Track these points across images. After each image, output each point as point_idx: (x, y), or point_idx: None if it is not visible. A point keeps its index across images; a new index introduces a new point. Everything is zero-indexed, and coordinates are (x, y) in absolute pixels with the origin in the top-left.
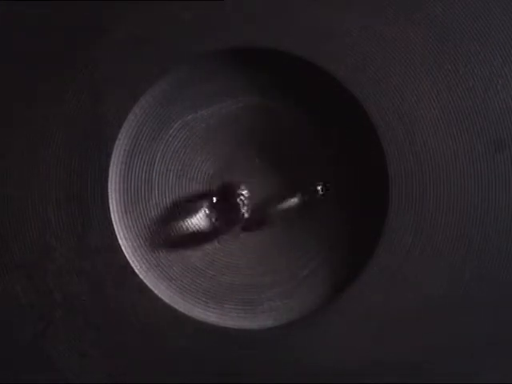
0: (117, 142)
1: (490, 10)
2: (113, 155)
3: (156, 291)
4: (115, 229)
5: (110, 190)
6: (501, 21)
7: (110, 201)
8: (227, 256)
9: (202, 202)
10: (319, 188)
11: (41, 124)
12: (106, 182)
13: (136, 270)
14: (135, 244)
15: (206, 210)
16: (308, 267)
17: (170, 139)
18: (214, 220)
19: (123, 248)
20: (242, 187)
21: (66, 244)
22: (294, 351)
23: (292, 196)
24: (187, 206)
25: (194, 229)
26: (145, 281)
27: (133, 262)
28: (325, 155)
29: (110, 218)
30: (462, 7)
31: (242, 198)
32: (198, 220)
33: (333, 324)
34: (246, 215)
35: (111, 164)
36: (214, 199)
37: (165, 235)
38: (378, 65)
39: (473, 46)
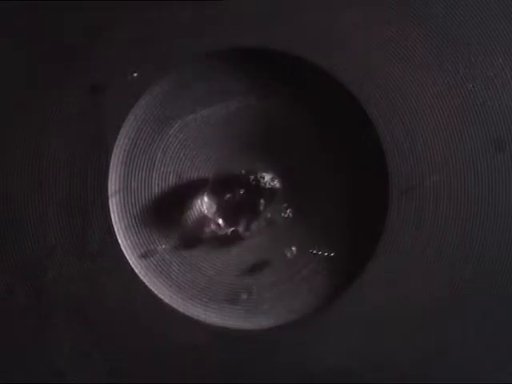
0: (117, 142)
1: (491, 11)
2: (113, 155)
3: (156, 291)
4: (115, 229)
5: (110, 190)
6: (502, 21)
7: (109, 201)
8: (227, 256)
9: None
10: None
11: (41, 124)
12: (106, 182)
13: (136, 270)
14: (135, 244)
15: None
16: (308, 267)
17: (170, 139)
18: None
19: (123, 248)
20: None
21: (66, 244)
22: (294, 351)
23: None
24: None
25: (195, 228)
26: (145, 281)
27: (133, 262)
28: (325, 155)
29: (110, 218)
30: (462, 7)
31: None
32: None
33: (333, 324)
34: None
35: (111, 164)
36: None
37: (165, 235)
38: (378, 65)
39: (473, 46)
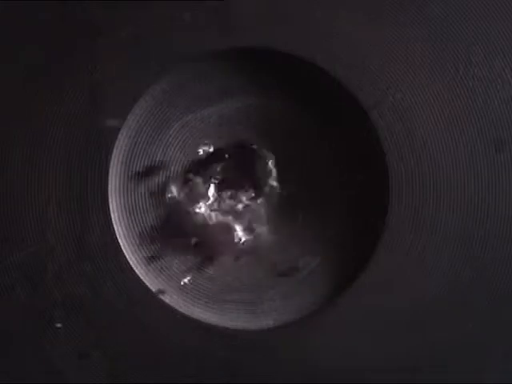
0: (117, 142)
1: (491, 10)
2: (113, 155)
3: (156, 291)
4: (115, 229)
5: (109, 190)
6: (501, 21)
7: (109, 201)
8: (227, 256)
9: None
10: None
11: (41, 124)
12: (106, 182)
13: (136, 270)
14: (135, 244)
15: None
16: (308, 267)
17: (170, 139)
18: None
19: (123, 248)
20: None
21: (66, 244)
22: (294, 351)
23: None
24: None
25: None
26: (145, 281)
27: (133, 262)
28: (324, 155)
29: (110, 218)
30: (462, 7)
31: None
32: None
33: (333, 324)
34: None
35: (111, 164)
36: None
37: (165, 235)
38: (378, 65)
39: (473, 46)
